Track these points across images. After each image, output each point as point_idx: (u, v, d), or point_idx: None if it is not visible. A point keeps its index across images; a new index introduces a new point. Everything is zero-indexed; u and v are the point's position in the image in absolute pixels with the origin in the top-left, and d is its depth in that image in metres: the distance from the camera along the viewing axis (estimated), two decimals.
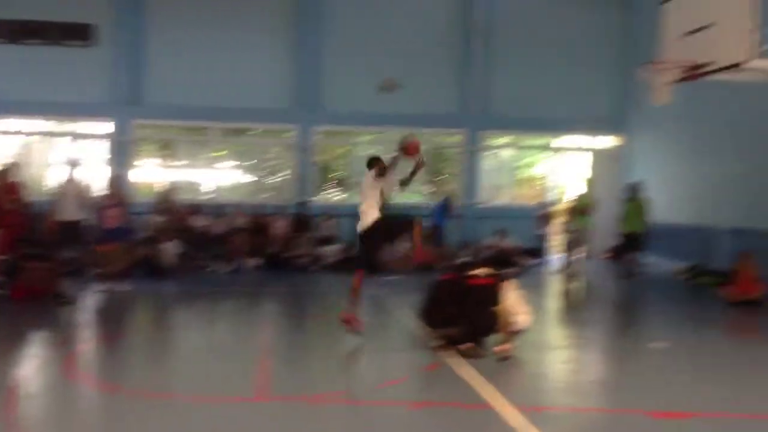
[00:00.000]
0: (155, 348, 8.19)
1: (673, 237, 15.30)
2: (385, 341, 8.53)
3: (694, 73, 8.59)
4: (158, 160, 17.79)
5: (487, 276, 7.44)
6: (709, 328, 9.64)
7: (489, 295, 7.32)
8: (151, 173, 17.61)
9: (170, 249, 13.52)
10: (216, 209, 15.47)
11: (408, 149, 8.29)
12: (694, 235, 14.83)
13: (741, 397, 6.26)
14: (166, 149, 17.65)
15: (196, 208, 15.31)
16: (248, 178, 18.08)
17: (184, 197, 15.93)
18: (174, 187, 15.58)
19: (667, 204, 15.73)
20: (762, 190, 12.99)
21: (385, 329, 9.31)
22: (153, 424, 5.29)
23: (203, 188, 17.56)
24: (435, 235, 15.33)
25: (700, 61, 8.50)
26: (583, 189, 14.95)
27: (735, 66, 8.07)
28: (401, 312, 9.94)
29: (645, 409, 5.71)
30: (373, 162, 8.65)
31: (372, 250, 8.57)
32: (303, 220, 15.76)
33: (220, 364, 7.14)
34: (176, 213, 14.77)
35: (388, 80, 17.08)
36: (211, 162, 17.33)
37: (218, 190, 17.38)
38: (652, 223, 14.14)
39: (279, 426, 5.32)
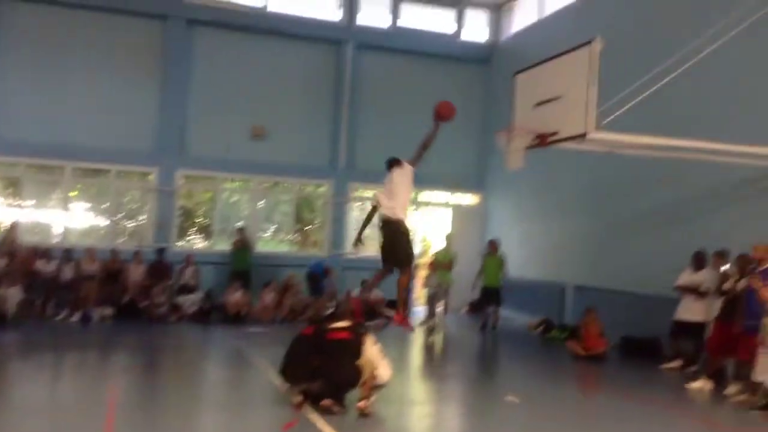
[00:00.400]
0: None
1: (527, 292, 16.08)
2: (244, 396, 8.21)
3: (542, 141, 9.18)
4: (2, 199, 16.42)
5: (347, 330, 7.41)
6: (557, 382, 10.11)
7: (349, 348, 7.28)
8: None
9: (12, 295, 12.45)
10: (65, 253, 14.44)
11: (441, 113, 8.10)
12: (545, 291, 15.67)
13: None
14: (12, 187, 16.35)
15: (42, 252, 14.22)
16: (102, 221, 17.09)
17: (30, 239, 14.82)
18: (17, 228, 14.46)
19: (521, 260, 16.57)
20: (602, 249, 14.02)
21: (245, 383, 8.98)
22: None
23: (52, 230, 16.37)
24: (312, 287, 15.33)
25: (547, 130, 9.12)
26: (444, 244, 15.46)
27: (579, 137, 8.73)
28: (262, 365, 9.65)
29: None
30: (395, 162, 8.59)
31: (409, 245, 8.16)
32: (161, 268, 15.06)
33: (63, 422, 6.55)
34: (20, 256, 13.67)
35: (257, 128, 17.09)
36: (62, 203, 16.25)
37: (69, 232, 16.27)
38: (508, 279, 14.81)
39: None
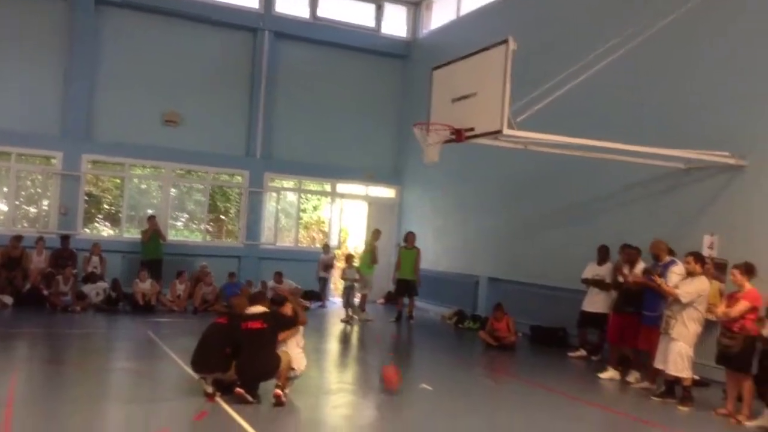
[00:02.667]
0: None
1: (441, 284, 16.36)
2: (154, 388, 7.96)
3: (458, 136, 9.34)
4: None
5: (262, 318, 7.30)
6: (469, 371, 10.36)
7: (264, 338, 7.19)
8: None
9: None
10: None
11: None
12: (459, 283, 15.99)
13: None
14: None
15: None
16: (2, 206, 16.15)
17: None
18: None
19: (437, 253, 16.84)
20: (514, 243, 14.44)
21: (155, 374, 8.72)
22: None
23: None
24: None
25: (463, 126, 9.29)
26: (362, 236, 15.56)
27: (494, 133, 8.94)
28: (173, 356, 9.39)
29: None
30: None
31: None
32: (65, 255, 14.41)
33: None
34: None
35: (170, 114, 16.56)
36: None
37: None
38: (422, 271, 15.01)
39: None
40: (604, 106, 12.01)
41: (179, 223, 18.48)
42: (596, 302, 10.70)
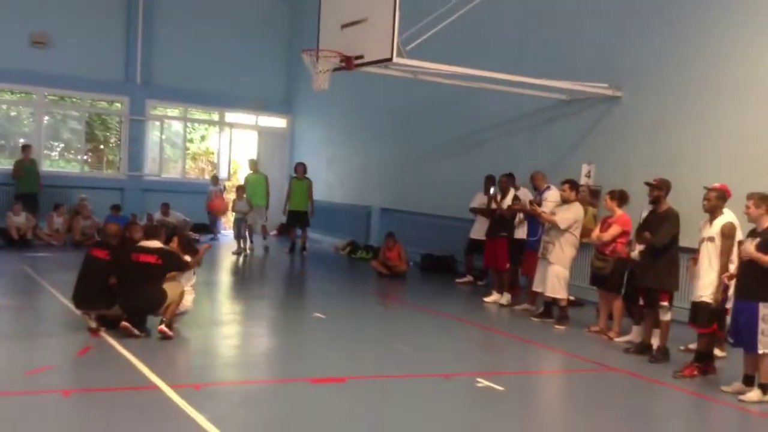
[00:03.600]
0: None
1: (334, 215, 16.41)
2: (34, 324, 7.61)
3: (348, 64, 9.21)
4: None
5: (157, 253, 7.06)
6: (362, 299, 10.58)
7: (154, 272, 6.98)
8: None
9: None
10: None
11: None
12: (352, 214, 16.09)
13: (387, 358, 6.98)
14: None
15: None
16: None
17: None
18: None
19: (329, 184, 16.82)
20: (406, 174, 14.62)
21: (34, 310, 8.32)
22: None
23: None
24: None
25: (353, 53, 9.15)
26: (252, 167, 15.25)
27: (384, 61, 8.88)
28: (53, 291, 8.97)
29: (305, 376, 6.01)
30: None
31: None
32: None
33: None
34: None
35: (37, 35, 15.24)
36: None
37: None
38: (315, 201, 14.97)
39: None
40: (491, 36, 12.15)
41: (54, 154, 17.35)
42: (482, 230, 11.06)
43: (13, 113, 16.72)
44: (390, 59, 8.60)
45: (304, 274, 13.36)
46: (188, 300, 7.28)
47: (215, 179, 16.83)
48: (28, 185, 14.31)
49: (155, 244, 7.16)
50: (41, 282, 9.81)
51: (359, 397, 5.64)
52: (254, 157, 17.07)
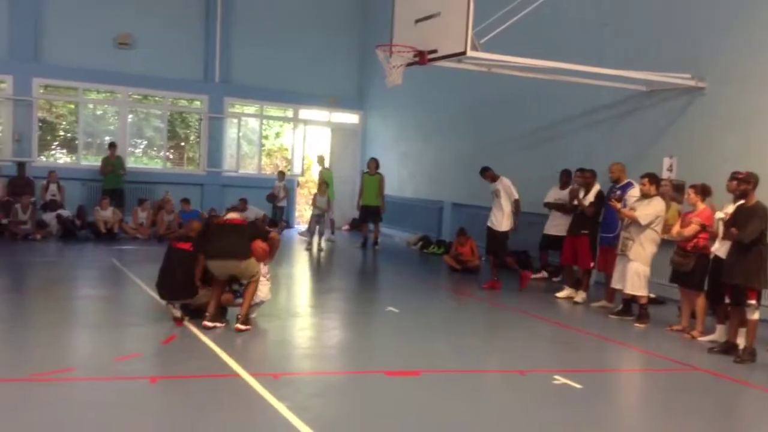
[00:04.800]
0: None
1: (406, 210, 16.46)
2: (121, 313, 7.96)
3: (422, 58, 9.21)
4: None
5: (190, 240, 7.44)
6: (435, 293, 10.57)
7: (239, 230, 7.25)
8: None
9: None
10: None
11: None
12: (424, 209, 16.10)
13: (462, 353, 6.96)
14: None
15: None
16: None
17: None
18: None
19: (401, 179, 16.88)
20: (477, 168, 14.36)
21: (122, 300, 8.70)
22: None
23: None
24: None
25: (427, 47, 9.14)
26: (325, 163, 15.45)
27: (458, 55, 8.83)
28: (140, 282, 9.36)
29: (380, 369, 6.07)
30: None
31: None
32: (22, 183, 14.06)
33: None
34: None
35: (123, 36, 15.89)
36: None
37: None
38: (387, 197, 15.04)
39: (2, 409, 4.73)
40: (568, 28, 11.91)
41: (138, 151, 18.08)
42: (557, 225, 10.88)
43: (99, 112, 17.52)
44: (464, 53, 8.56)
45: (376, 268, 13.45)
46: (264, 290, 7.46)
47: (282, 175, 17.10)
48: (114, 181, 14.99)
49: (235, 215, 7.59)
50: (127, 273, 10.24)
51: (435, 391, 5.65)
52: (322, 153, 17.28)
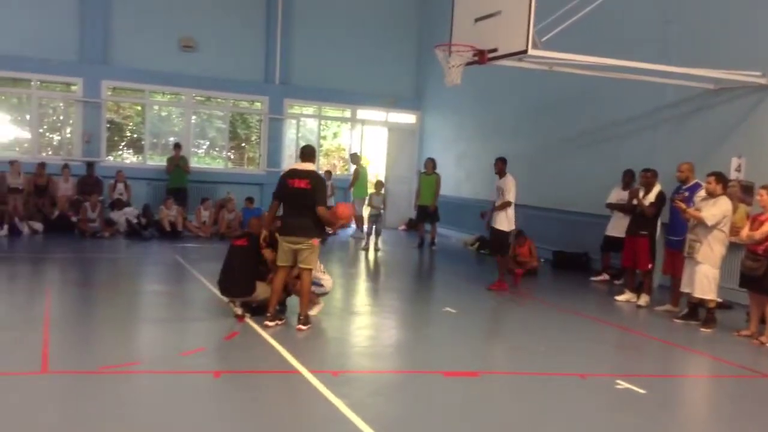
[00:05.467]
0: None
1: (463, 210, 16.37)
2: (185, 309, 8.17)
3: (481, 58, 9.14)
4: None
5: (308, 179, 7.28)
6: (493, 294, 10.46)
7: (306, 198, 7.22)
8: None
9: None
10: None
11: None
12: (480, 209, 15.92)
13: (520, 355, 6.89)
14: None
15: None
16: (26, 133, 16.27)
17: None
18: None
19: (458, 179, 16.80)
20: (537, 168, 14.31)
21: (186, 297, 8.93)
22: None
23: None
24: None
25: (487, 46, 9.07)
26: (356, 161, 15.51)
27: (519, 54, 8.73)
28: (202, 279, 9.59)
29: (438, 369, 6.06)
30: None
31: None
32: (91, 182, 14.58)
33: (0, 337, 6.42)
34: None
35: (186, 39, 16.34)
36: None
37: None
38: (444, 197, 14.99)
39: (73, 399, 4.92)
40: (630, 25, 11.65)
41: (200, 151, 18.53)
42: (620, 227, 10.63)
43: (164, 113, 18.03)
44: (525, 51, 8.46)
45: (433, 268, 13.42)
46: (328, 282, 7.58)
47: (329, 174, 17.19)
48: (178, 181, 15.40)
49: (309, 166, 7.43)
50: (191, 270, 10.51)
51: (494, 393, 5.62)
52: (357, 150, 17.44)
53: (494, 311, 9.15)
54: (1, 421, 4.41)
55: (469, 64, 9.39)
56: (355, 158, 15.91)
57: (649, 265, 9.40)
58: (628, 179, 10.86)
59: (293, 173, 7.31)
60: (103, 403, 4.84)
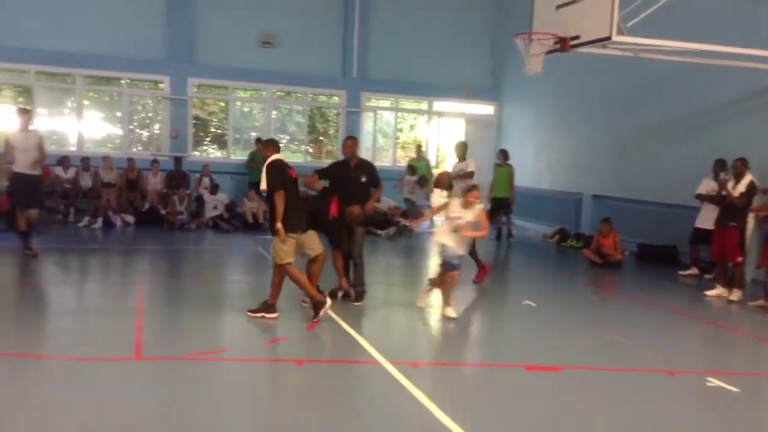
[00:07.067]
0: (22, 307, 7.60)
1: (541, 202, 16.10)
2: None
3: (563, 45, 8.94)
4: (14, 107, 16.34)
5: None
6: (575, 288, 10.28)
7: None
8: (5, 121, 16.22)
9: None
10: (83, 162, 14.52)
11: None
12: (561, 201, 15.67)
13: (605, 350, 6.72)
14: (24, 95, 16.23)
15: (61, 161, 14.33)
16: (116, 129, 17.04)
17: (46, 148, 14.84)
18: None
19: (537, 170, 16.51)
20: (620, 159, 13.91)
21: (269, 288, 9.13)
22: (26, 385, 4.93)
23: (67, 139, 16.39)
24: None
25: (569, 34, 8.85)
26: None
27: (603, 40, 8.49)
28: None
29: (519, 363, 5.99)
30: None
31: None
32: (179, 176, 15.13)
33: (94, 324, 6.76)
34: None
35: (266, 35, 16.70)
36: (76, 111, 16.15)
37: (84, 141, 16.27)
38: (522, 188, 14.75)
39: (165, 385, 5.13)
40: (720, 8, 11.13)
41: (281, 145, 18.89)
42: (711, 219, 10.20)
43: (246, 109, 18.50)
44: (609, 38, 8.23)
45: (511, 261, 13.25)
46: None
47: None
48: (259, 174, 15.72)
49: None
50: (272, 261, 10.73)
51: (577, 388, 5.51)
52: (421, 142, 17.37)
53: (576, 305, 8.96)
54: (100, 404, 4.66)
55: (550, 52, 9.21)
56: (418, 150, 15.79)
57: (739, 258, 8.99)
58: (718, 169, 10.39)
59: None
60: (193, 389, 5.03)
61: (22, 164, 9.65)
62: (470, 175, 10.55)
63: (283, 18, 16.90)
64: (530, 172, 16.02)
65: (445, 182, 9.90)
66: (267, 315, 7.04)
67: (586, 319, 8.10)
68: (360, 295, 7.88)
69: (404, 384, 5.20)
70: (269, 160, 7.14)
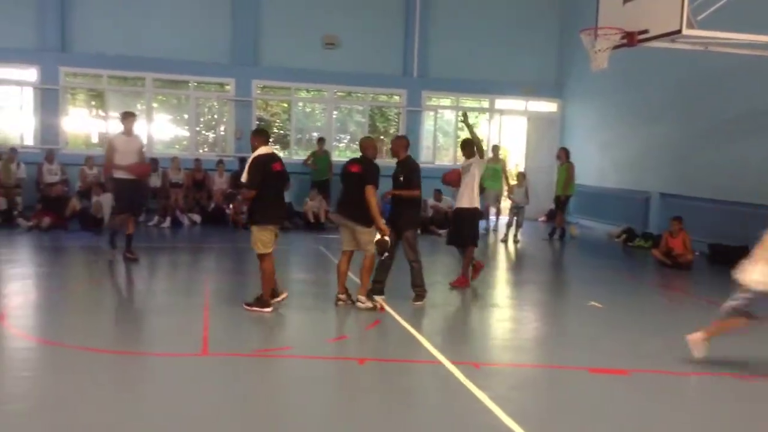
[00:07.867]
0: (94, 303, 7.90)
1: (606, 201, 15.73)
2: (330, 298, 8.45)
3: (631, 40, 8.72)
4: (88, 111, 17.04)
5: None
6: (643, 289, 10.00)
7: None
8: (80, 123, 16.89)
9: (106, 202, 13.01)
10: (152, 163, 14.95)
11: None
12: (627, 199, 15.27)
13: (676, 353, 6.50)
14: (97, 99, 16.85)
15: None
16: (184, 131, 17.52)
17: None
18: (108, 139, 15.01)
19: (602, 168, 16.14)
20: (690, 156, 13.45)
21: (330, 286, 9.24)
22: (98, 379, 5.13)
23: None
24: None
25: (636, 28, 8.62)
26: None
27: (672, 34, 8.23)
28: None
29: (584, 365, 5.87)
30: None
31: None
32: None
33: (164, 320, 6.97)
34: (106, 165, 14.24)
35: (329, 37, 16.87)
36: (146, 114, 16.67)
37: (153, 143, 16.78)
38: (586, 187, 14.43)
39: (232, 380, 5.25)
40: None
41: (341, 145, 19.07)
42: None
43: (308, 109, 18.73)
44: (679, 31, 7.97)
45: (576, 261, 12.99)
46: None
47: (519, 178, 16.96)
48: (321, 173, 15.95)
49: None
50: (333, 260, 10.79)
51: (646, 392, 5.35)
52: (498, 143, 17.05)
53: (644, 307, 8.71)
54: (169, 399, 4.79)
55: (616, 47, 9.00)
56: (495, 149, 15.63)
57: None
58: None
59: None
60: (259, 385, 5.13)
61: (122, 168, 9.72)
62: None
63: (344, 19, 17.02)
64: (594, 170, 15.67)
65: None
66: (263, 309, 7.21)
67: (655, 322, 7.87)
68: (420, 296, 7.87)
69: (466, 384, 5.16)
70: (255, 154, 7.19)
